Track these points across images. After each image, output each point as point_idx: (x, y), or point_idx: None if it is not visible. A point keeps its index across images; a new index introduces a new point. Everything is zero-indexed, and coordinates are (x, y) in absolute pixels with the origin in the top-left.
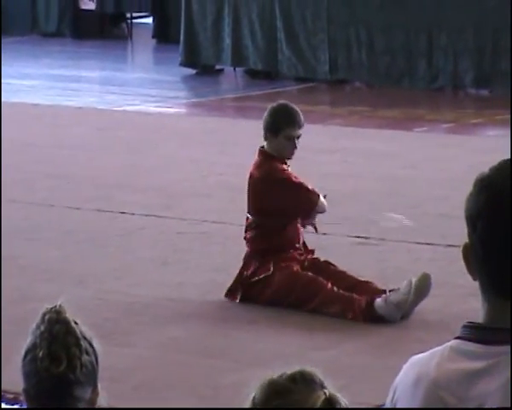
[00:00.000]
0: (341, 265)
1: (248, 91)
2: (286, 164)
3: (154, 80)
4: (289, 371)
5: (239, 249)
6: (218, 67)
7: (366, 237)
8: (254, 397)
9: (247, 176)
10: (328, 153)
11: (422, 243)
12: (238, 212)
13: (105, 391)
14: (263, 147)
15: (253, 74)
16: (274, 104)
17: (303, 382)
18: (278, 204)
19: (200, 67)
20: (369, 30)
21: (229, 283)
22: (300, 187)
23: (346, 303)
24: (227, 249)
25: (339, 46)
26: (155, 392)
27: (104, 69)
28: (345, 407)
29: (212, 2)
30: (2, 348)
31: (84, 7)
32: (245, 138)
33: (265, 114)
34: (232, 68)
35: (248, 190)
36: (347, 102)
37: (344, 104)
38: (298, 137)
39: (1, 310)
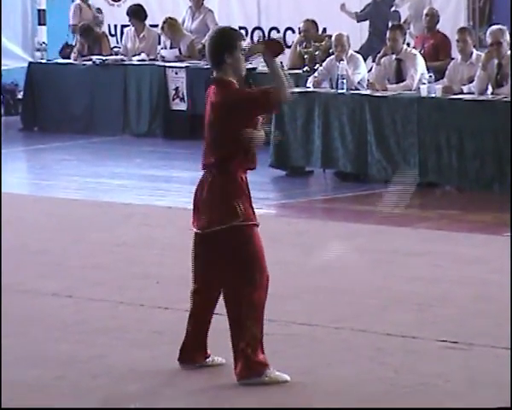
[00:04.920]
0: (429, 370)
1: (337, 193)
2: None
3: None
4: None
5: (326, 350)
6: (307, 168)
7: (455, 342)
8: None
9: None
10: (417, 256)
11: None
12: (326, 314)
13: None
14: (214, 77)
15: (342, 176)
16: (213, 31)
17: None
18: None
19: (290, 168)
20: (459, 134)
21: (316, 386)
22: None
23: None
24: (314, 352)
25: (429, 150)
26: None
27: (194, 170)
28: None
29: (302, 104)
30: None
31: (175, 108)
32: (334, 240)
33: (211, 41)
34: (322, 170)
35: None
36: (437, 205)
37: (433, 207)
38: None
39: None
